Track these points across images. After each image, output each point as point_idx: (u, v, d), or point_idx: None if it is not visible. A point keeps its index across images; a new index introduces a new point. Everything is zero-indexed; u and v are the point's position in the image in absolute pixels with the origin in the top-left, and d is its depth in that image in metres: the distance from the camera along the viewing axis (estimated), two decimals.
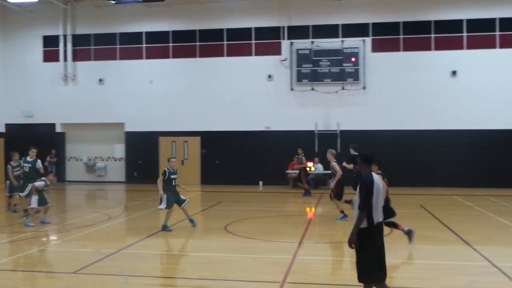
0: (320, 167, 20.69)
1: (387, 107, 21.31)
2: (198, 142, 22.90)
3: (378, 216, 5.40)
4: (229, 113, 22.63)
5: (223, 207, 15.61)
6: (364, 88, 21.58)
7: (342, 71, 21.74)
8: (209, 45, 23.16)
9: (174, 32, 23.45)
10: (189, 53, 23.30)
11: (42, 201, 12.07)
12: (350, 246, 5.38)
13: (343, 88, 21.65)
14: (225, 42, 23.01)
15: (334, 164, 12.44)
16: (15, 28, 24.66)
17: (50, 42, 24.43)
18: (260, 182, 21.70)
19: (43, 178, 12.31)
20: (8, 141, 24.28)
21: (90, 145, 24.44)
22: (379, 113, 21.30)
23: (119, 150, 24.15)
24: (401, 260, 8.61)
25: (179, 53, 23.42)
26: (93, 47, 24.24)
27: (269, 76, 22.48)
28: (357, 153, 12.45)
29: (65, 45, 24.18)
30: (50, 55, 24.44)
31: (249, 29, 22.78)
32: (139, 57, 23.76)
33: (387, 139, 20.77)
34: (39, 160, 13.31)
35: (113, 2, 22.67)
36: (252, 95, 22.44)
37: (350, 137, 18.26)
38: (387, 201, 8.87)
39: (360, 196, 5.37)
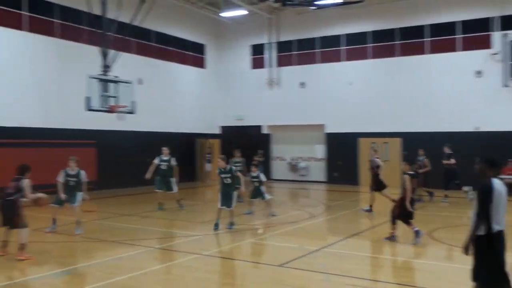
0: None
1: None
2: (398, 143, 22.22)
3: (499, 224, 5.08)
4: (432, 113, 21.42)
5: (426, 212, 14.84)
6: None
7: None
8: (410, 43, 22.31)
9: (373, 32, 23.20)
10: (389, 53, 22.78)
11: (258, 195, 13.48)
12: (464, 253, 5.19)
13: None
14: (427, 39, 21.91)
15: None
16: (227, 39, 27.32)
17: (257, 50, 26.46)
18: (467, 187, 20.03)
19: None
20: (223, 142, 27.03)
21: (293, 146, 25.69)
22: None
23: (320, 150, 24.87)
24: None
25: (378, 53, 23.09)
26: (295, 52, 25.44)
27: (478, 72, 20.63)
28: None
29: (270, 52, 25.91)
30: (257, 62, 26.45)
31: (453, 23, 21.26)
32: (339, 59, 24.11)
33: None
34: (173, 158, 14.83)
35: (313, 8, 23.46)
36: (458, 93, 20.84)
37: None
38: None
39: (478, 202, 5.10)
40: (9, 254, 8.55)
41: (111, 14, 16.95)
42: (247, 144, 26.52)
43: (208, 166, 25.93)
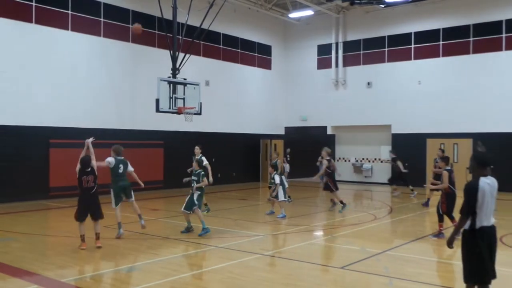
0: None
1: None
2: (469, 144, 21.31)
3: (482, 221, 5.31)
4: (506, 113, 20.41)
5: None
6: None
7: None
8: (484, 40, 21.35)
9: (445, 29, 22.41)
10: (461, 50, 21.92)
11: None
12: (448, 246, 5.59)
13: None
14: (503, 35, 20.86)
15: None
16: (294, 39, 27.38)
17: (323, 50, 26.30)
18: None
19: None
20: (287, 143, 27.13)
21: (357, 147, 25.34)
22: None
23: (386, 152, 24.32)
24: None
25: (450, 51, 22.28)
26: (362, 51, 25.06)
27: None
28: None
29: (336, 52, 25.68)
30: (323, 62, 26.30)
31: None
32: (407, 58, 23.50)
33: None
34: (203, 157, 14.15)
35: (382, 6, 23.02)
36: None
37: None
38: None
39: (463, 200, 5.37)
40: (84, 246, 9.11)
41: (180, 18, 17.55)
42: (311, 145, 26.50)
43: (286, 167, 26.22)
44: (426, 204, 15.88)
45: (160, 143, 20.17)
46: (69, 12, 17.80)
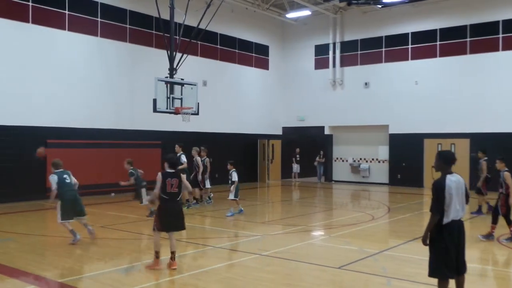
0: None
1: None
2: (467, 144, 21.37)
3: (449, 217, 5.46)
4: (503, 113, 20.47)
5: None
6: None
7: None
8: (481, 40, 21.40)
9: (442, 29, 22.45)
10: (458, 50, 21.97)
11: None
12: (423, 243, 5.69)
13: None
14: (500, 35, 20.91)
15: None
16: (291, 40, 27.39)
17: (320, 50, 26.32)
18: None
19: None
20: (285, 143, 27.19)
21: (355, 147, 25.37)
22: None
23: (383, 152, 24.38)
24: None
25: (447, 51, 22.32)
26: (360, 52, 25.09)
27: None
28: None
29: (334, 52, 25.69)
30: (321, 63, 26.32)
31: None
32: (404, 58, 23.54)
33: None
34: (183, 155, 14.66)
35: (379, 6, 23.04)
36: None
37: None
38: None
39: (432, 198, 5.53)
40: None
41: (178, 18, 17.54)
42: (308, 145, 26.61)
43: (295, 167, 26.39)
44: (479, 212, 13.84)
45: (158, 143, 20.15)
46: (66, 12, 17.77)
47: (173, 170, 8.02)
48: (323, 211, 14.61)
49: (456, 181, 5.54)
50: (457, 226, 5.56)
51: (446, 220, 5.48)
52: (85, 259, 8.82)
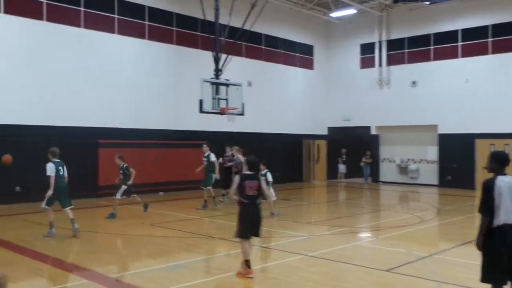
0: None
1: None
2: None
3: (500, 220, 5.22)
4: None
5: None
6: None
7: None
8: None
9: (494, 25, 21.64)
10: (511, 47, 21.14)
11: None
12: (477, 247, 5.44)
13: None
14: None
15: None
16: (336, 39, 27.13)
17: (366, 49, 25.93)
18: None
19: None
20: (330, 143, 26.93)
21: (402, 147, 24.82)
22: None
23: (432, 152, 23.73)
24: None
25: (499, 48, 21.50)
26: (407, 50, 24.54)
27: None
28: None
29: (380, 51, 25.25)
30: (366, 62, 25.92)
31: None
32: (454, 56, 22.85)
33: None
34: (212, 154, 15.07)
35: (427, 3, 22.48)
36: None
37: None
38: None
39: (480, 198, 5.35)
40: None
41: (223, 20, 17.70)
42: (354, 145, 26.26)
43: (341, 168, 26.23)
44: None
45: (203, 143, 20.36)
46: (116, 16, 18.28)
47: (252, 172, 7.60)
48: (370, 212, 14.36)
49: (508, 182, 5.29)
50: (510, 230, 5.30)
51: (497, 222, 5.27)
52: (135, 256, 9.02)
